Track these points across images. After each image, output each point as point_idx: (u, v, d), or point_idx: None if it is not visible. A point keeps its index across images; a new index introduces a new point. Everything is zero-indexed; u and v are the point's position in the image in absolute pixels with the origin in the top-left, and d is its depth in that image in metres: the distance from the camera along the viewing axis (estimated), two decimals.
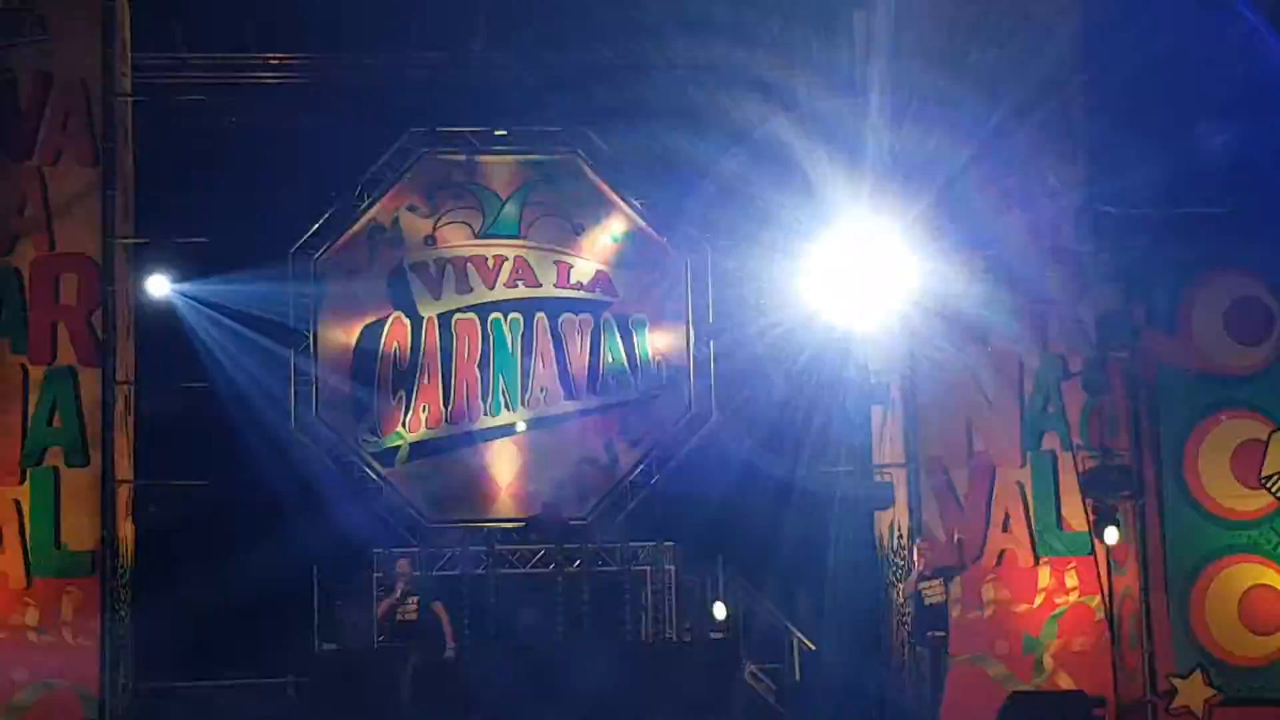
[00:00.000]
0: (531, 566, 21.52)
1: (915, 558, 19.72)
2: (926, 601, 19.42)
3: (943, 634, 19.38)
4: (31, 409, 19.72)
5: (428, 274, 24.49)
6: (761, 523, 23.15)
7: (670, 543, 21.95)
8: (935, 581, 19.44)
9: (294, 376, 23.99)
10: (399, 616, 19.81)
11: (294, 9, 22.53)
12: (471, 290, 24.50)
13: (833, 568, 22.99)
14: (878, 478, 20.87)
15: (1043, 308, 20.57)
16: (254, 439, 22.76)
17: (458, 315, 24.47)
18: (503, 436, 24.28)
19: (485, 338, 24.42)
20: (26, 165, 20.06)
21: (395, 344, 24.34)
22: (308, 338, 24.10)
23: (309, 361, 24.06)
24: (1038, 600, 20.33)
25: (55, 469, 19.68)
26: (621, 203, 24.70)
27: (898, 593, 20.70)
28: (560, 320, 24.59)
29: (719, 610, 22.68)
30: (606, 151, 24.60)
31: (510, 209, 24.63)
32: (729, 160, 23.32)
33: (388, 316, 24.40)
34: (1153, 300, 20.36)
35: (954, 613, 20.13)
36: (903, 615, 20.49)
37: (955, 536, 19.98)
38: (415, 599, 19.81)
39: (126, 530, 20.08)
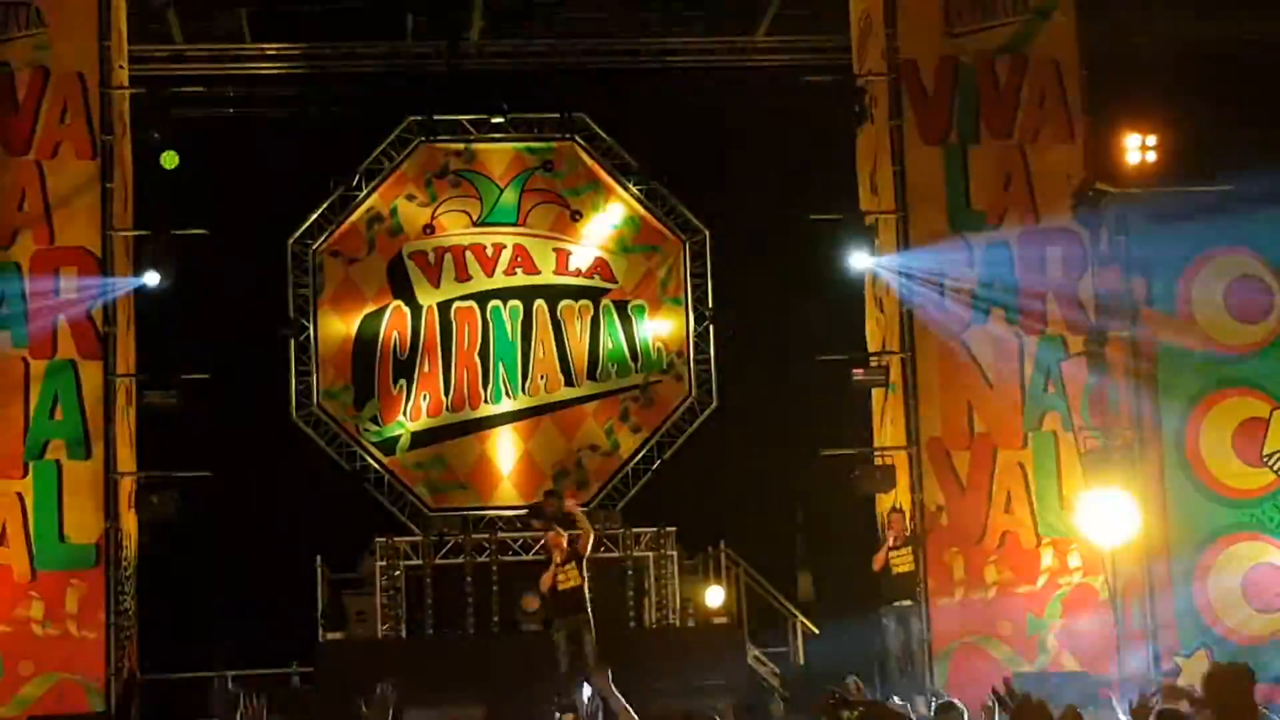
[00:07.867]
0: (534, 554, 21.49)
1: (884, 530, 19.78)
2: (895, 571, 19.51)
3: (909, 602, 19.49)
4: (33, 402, 19.65)
5: (426, 262, 24.49)
6: (763, 508, 23.17)
7: (672, 528, 21.92)
8: (904, 550, 19.56)
9: (294, 366, 24.03)
10: (559, 585, 19.22)
11: None
12: (471, 278, 24.50)
13: (834, 552, 23.05)
14: (879, 460, 20.84)
15: (1042, 287, 20.55)
16: (255, 430, 22.77)
17: (457, 303, 24.47)
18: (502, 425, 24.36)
19: (485, 325, 24.42)
20: (24, 159, 19.98)
21: (395, 333, 24.35)
22: (307, 328, 24.11)
23: (309, 351, 24.08)
24: (1041, 581, 20.28)
25: (57, 462, 19.61)
26: (620, 188, 24.68)
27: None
28: (559, 307, 24.58)
29: (714, 595, 22.69)
30: (604, 138, 24.60)
31: (508, 196, 24.62)
32: (728, 144, 23.32)
33: (387, 305, 24.40)
34: (1153, 279, 20.34)
35: (957, 595, 20.15)
36: None
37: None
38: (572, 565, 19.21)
39: (129, 522, 20.04)
